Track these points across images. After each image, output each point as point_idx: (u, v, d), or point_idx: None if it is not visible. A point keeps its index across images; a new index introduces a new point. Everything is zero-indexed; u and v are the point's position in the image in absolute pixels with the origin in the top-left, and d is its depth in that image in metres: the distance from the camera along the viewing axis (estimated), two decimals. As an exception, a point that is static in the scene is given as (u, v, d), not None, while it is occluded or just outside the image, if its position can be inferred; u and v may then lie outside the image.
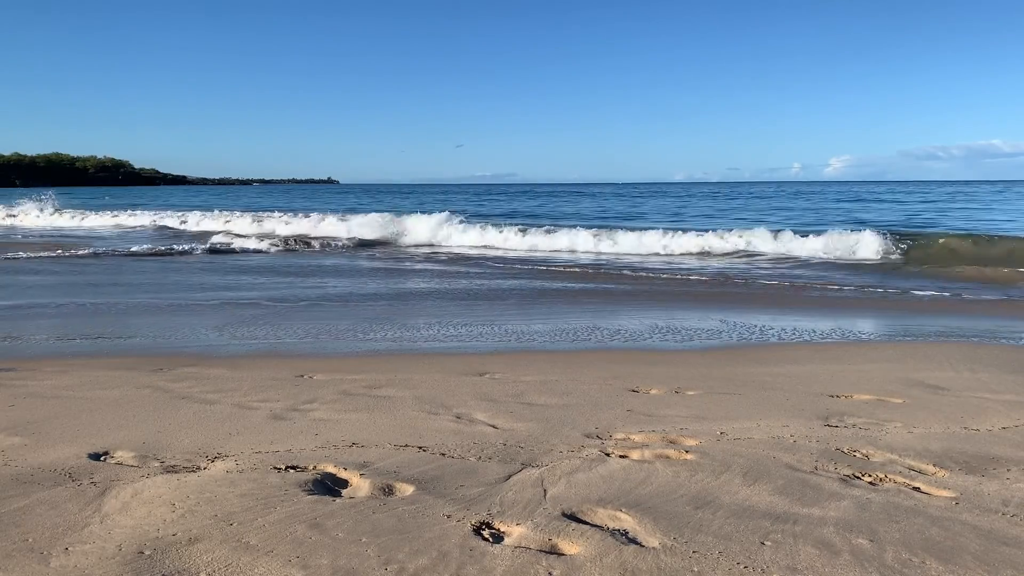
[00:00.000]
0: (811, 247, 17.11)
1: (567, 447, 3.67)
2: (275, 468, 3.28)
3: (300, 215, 29.04)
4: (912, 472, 3.35)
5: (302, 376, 5.36)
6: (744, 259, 16.92)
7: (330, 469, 3.30)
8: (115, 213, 33.99)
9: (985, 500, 3.00)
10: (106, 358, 6.09)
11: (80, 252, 17.30)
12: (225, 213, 31.28)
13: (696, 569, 2.35)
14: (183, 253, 18.00)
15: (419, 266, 15.86)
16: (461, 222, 22.42)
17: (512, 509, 2.82)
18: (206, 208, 35.37)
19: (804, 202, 46.30)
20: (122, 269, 14.31)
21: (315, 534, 2.57)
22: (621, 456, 3.51)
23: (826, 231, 17.88)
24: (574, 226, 21.87)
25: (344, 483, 3.15)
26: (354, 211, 30.92)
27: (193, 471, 3.24)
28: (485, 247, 20.37)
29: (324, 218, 26.13)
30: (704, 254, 17.80)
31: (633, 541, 2.56)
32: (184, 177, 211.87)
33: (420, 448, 3.63)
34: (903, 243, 16.74)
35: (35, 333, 7.32)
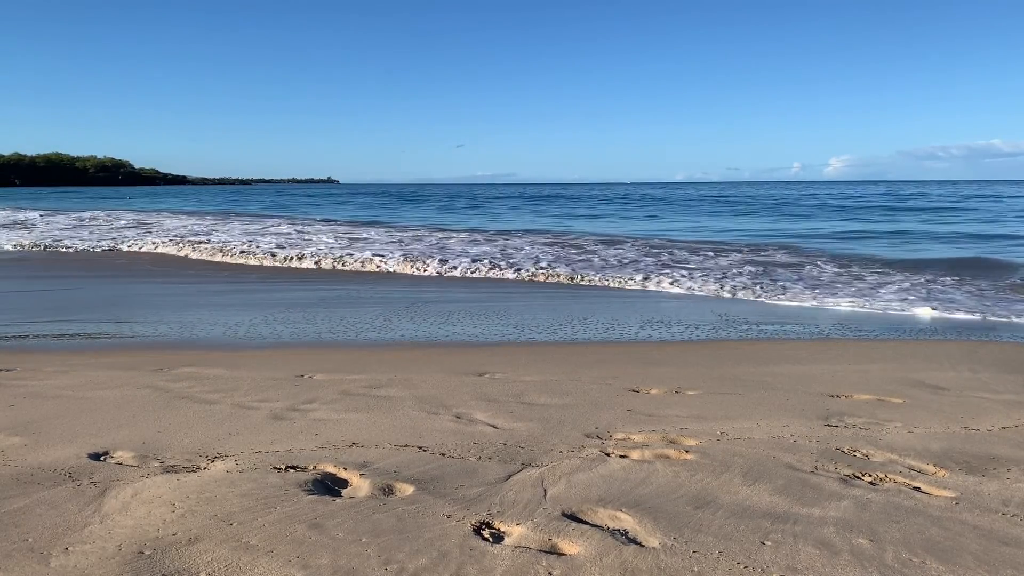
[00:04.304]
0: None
1: (567, 447, 3.67)
2: (275, 468, 3.28)
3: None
4: (912, 472, 3.35)
5: (302, 376, 5.36)
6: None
7: (330, 469, 3.29)
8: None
9: (985, 500, 3.00)
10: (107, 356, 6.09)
11: None
12: None
13: (696, 569, 2.35)
14: None
15: None
16: None
17: (512, 509, 2.82)
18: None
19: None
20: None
21: (315, 534, 2.57)
22: (621, 456, 3.51)
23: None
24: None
25: (344, 483, 3.15)
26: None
27: (193, 471, 3.24)
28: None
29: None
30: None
31: (633, 541, 2.56)
32: (184, 177, 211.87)
33: (420, 448, 3.63)
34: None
35: None
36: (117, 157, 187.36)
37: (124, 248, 18.42)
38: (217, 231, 22.67)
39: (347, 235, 21.59)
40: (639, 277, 12.30)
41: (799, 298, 10.22)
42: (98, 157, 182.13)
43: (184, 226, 25.04)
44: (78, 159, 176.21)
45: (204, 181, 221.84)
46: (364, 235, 21.89)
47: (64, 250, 18.07)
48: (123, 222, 28.63)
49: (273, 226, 25.86)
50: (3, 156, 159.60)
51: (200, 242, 17.94)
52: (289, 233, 22.38)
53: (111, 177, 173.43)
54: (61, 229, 24.83)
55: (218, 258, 16.09)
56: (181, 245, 17.77)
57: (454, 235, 21.92)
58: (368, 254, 15.49)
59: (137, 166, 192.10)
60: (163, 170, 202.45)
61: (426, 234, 22.28)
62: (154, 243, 18.72)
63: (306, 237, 20.77)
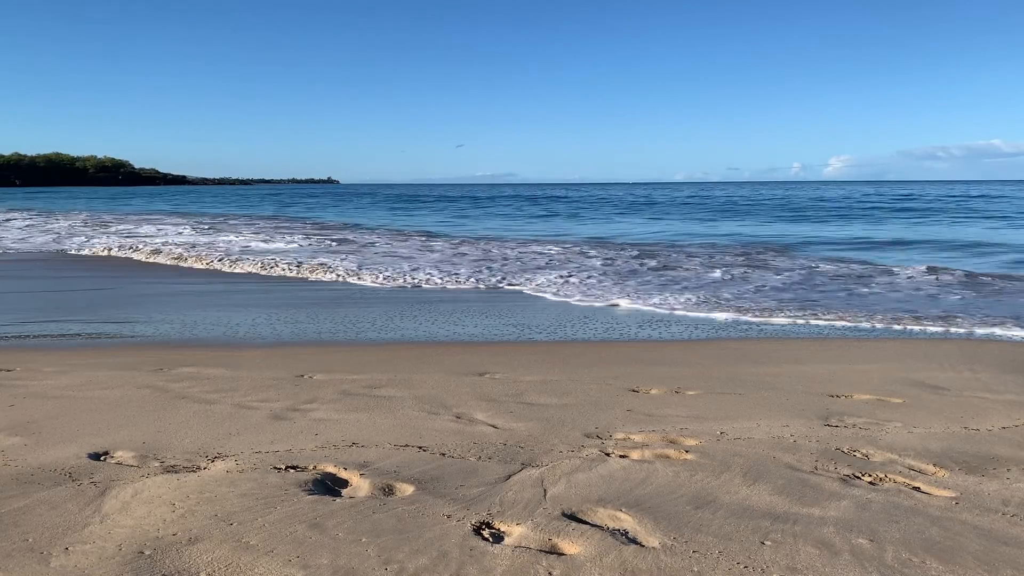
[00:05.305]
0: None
1: (567, 447, 3.67)
2: (275, 468, 3.27)
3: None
4: (912, 472, 3.35)
5: (302, 376, 5.35)
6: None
7: (330, 469, 3.29)
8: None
9: (985, 500, 3.00)
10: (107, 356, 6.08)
11: None
12: None
13: (696, 569, 2.35)
14: None
15: None
16: None
17: (512, 509, 2.82)
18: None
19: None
20: None
21: (315, 534, 2.57)
22: (621, 456, 3.51)
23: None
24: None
25: (344, 483, 3.15)
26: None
27: (193, 471, 3.24)
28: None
29: None
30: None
31: (633, 541, 2.56)
32: (184, 177, 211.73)
33: (420, 448, 3.63)
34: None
35: (35, 333, 7.31)
36: (117, 157, 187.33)
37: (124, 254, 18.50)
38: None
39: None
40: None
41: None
42: (98, 157, 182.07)
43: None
44: (78, 159, 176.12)
45: (204, 181, 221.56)
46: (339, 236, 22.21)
47: (72, 252, 18.16)
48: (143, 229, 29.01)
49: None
50: (3, 156, 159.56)
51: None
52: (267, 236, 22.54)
53: (111, 177, 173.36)
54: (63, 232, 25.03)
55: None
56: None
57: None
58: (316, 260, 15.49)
59: (137, 166, 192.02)
60: (163, 170, 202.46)
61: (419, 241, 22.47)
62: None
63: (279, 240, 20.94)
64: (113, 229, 25.55)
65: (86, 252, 17.76)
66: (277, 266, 14.09)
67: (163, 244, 18.82)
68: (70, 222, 30.12)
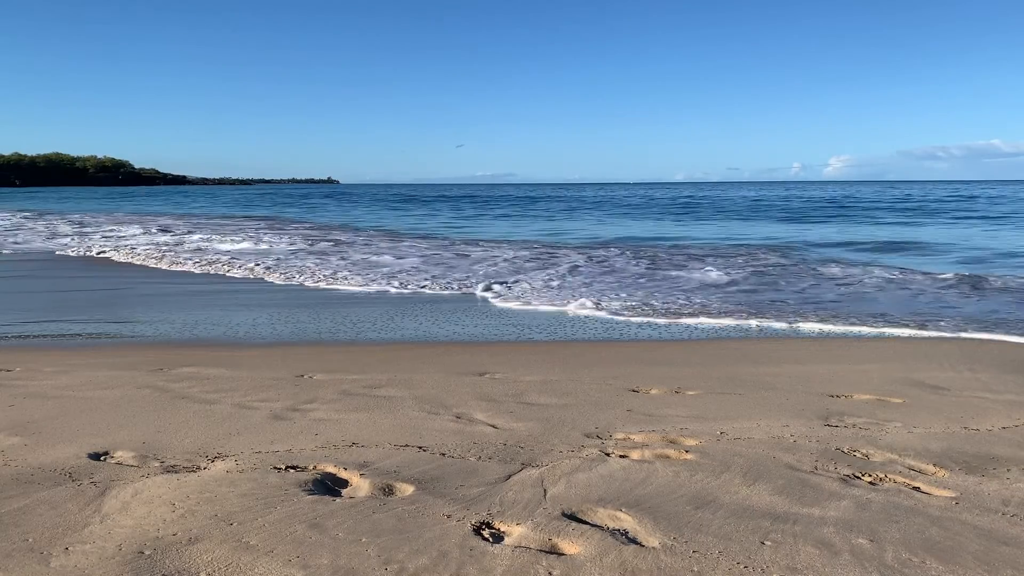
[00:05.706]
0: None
1: (567, 447, 3.67)
2: (275, 468, 3.27)
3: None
4: (912, 472, 3.35)
5: (302, 376, 5.35)
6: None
7: (330, 469, 3.29)
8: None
9: (985, 500, 3.00)
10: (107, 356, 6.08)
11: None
12: None
13: (696, 569, 2.35)
14: None
15: None
16: None
17: (512, 509, 2.82)
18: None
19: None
20: None
21: (315, 534, 2.57)
22: (621, 456, 3.51)
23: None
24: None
25: (344, 483, 3.15)
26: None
27: (193, 471, 3.24)
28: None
29: None
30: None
31: (633, 541, 2.56)
32: (184, 177, 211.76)
33: (420, 448, 3.63)
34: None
35: (35, 333, 7.30)
36: (117, 157, 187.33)
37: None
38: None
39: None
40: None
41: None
42: (98, 157, 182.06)
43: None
44: (78, 159, 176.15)
45: (204, 181, 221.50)
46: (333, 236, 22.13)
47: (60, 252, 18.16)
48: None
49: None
50: (3, 156, 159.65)
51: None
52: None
53: (111, 177, 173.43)
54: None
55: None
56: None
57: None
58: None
59: (137, 166, 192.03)
60: (163, 170, 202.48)
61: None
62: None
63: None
64: (105, 230, 25.43)
65: (73, 253, 17.71)
66: (259, 267, 14.08)
67: (151, 245, 18.83)
68: (62, 222, 30.04)
